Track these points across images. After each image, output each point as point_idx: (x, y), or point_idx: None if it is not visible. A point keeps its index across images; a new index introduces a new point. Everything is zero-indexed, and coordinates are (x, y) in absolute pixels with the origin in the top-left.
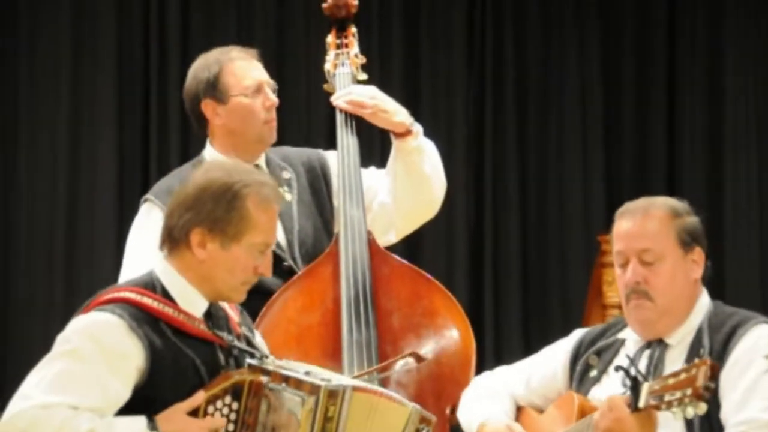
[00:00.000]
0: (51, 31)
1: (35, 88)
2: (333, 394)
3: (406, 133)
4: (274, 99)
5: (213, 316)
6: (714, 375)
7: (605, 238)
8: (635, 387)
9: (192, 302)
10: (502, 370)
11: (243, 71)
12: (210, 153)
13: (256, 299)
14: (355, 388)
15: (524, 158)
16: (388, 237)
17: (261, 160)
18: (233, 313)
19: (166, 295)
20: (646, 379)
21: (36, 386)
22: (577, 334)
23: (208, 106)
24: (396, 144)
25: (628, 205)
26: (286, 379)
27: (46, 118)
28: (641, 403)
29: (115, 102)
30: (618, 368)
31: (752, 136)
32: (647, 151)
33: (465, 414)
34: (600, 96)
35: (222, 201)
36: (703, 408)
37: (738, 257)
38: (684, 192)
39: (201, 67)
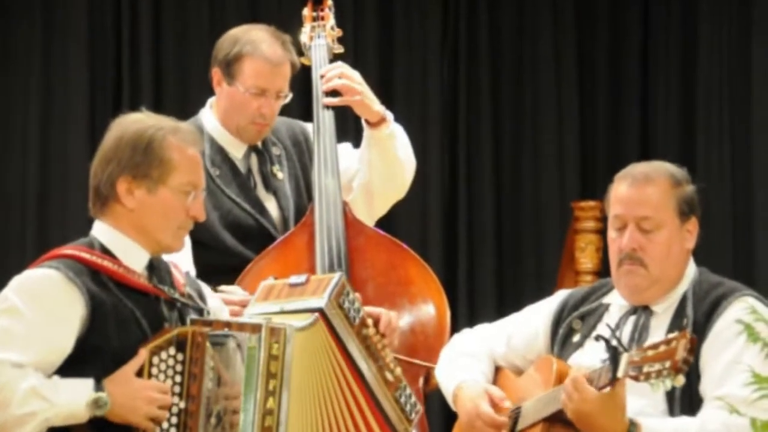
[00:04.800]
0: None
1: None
2: (275, 331)
3: (381, 121)
4: (271, 108)
5: (155, 269)
6: (693, 348)
7: (579, 204)
8: (615, 357)
9: (132, 255)
10: (482, 328)
11: (258, 72)
12: (209, 120)
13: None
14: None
15: (498, 126)
16: (366, 221)
17: (255, 142)
18: (179, 275)
19: (105, 252)
20: (626, 349)
21: None
22: (561, 295)
23: (216, 74)
24: (370, 133)
25: (630, 169)
26: (228, 324)
27: (17, 98)
28: (620, 374)
29: (86, 77)
30: (599, 338)
31: (725, 104)
32: (621, 118)
33: (443, 374)
34: (574, 63)
35: (139, 146)
36: (681, 380)
37: (710, 228)
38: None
39: (230, 40)
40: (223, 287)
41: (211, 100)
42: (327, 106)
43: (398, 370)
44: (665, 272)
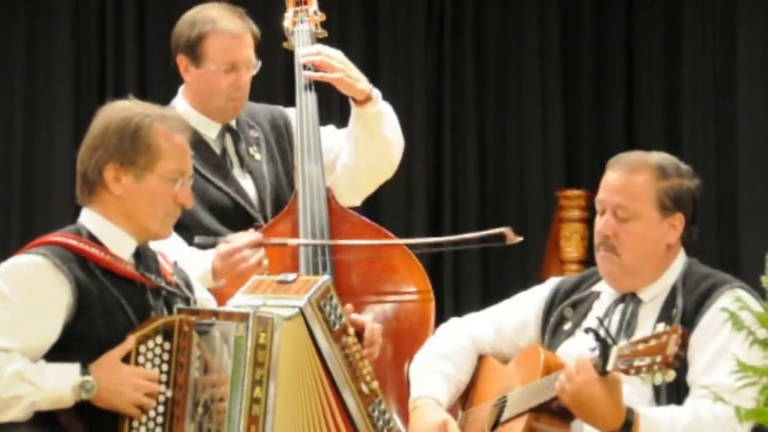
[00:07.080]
0: None
1: None
2: (263, 321)
3: (366, 99)
4: (245, 80)
5: (142, 257)
6: (684, 343)
7: (563, 193)
8: (604, 350)
9: (119, 243)
10: (471, 317)
11: (224, 47)
12: (181, 103)
13: None
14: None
15: (483, 113)
16: (353, 200)
17: (231, 120)
18: (166, 264)
19: (92, 240)
20: (615, 341)
21: None
22: (553, 282)
23: (182, 61)
24: (357, 111)
25: (622, 156)
26: (216, 314)
27: (1, 87)
28: (609, 367)
29: (71, 66)
30: (588, 330)
31: (709, 92)
32: (606, 106)
33: (414, 374)
34: (558, 52)
35: (126, 134)
36: (672, 375)
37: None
38: (641, 148)
39: (188, 23)
40: (229, 236)
41: (182, 88)
42: (309, 87)
43: (375, 384)
44: (639, 264)
